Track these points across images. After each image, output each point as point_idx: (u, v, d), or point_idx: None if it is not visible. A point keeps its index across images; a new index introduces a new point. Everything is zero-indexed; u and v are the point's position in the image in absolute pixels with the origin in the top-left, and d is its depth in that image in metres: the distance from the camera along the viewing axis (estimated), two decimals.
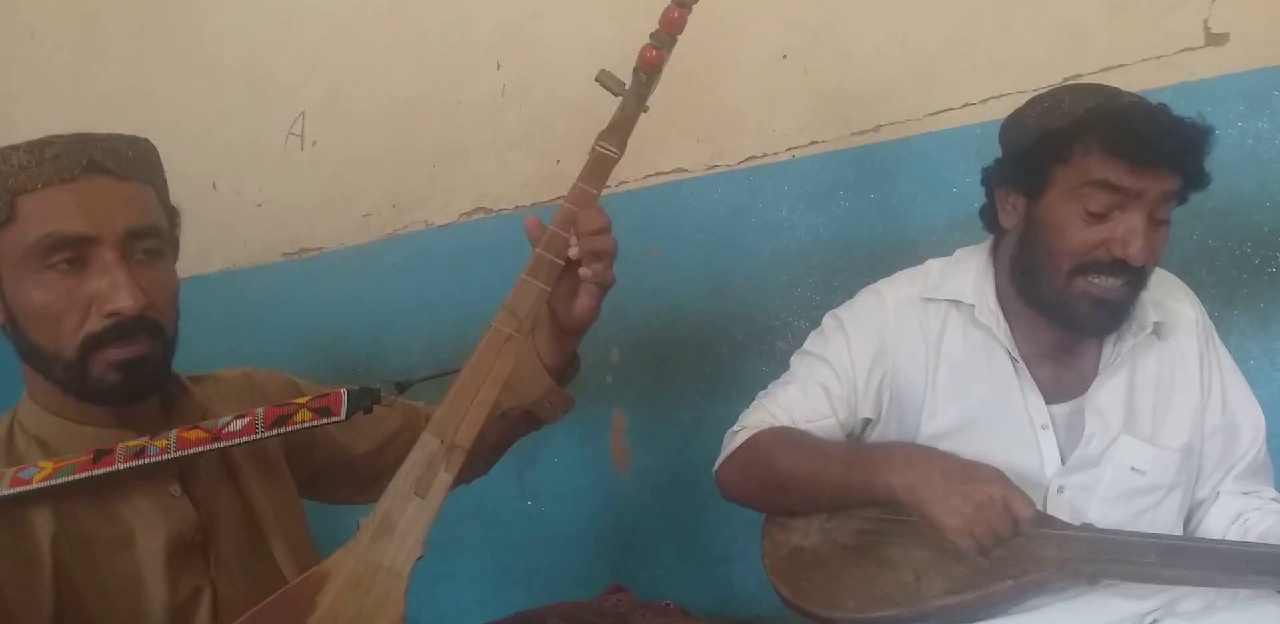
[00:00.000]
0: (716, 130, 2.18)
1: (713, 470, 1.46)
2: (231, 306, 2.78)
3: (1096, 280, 1.26)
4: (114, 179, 1.04)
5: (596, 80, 1.17)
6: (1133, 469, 1.32)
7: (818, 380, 1.42)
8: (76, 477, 1.01)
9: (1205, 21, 1.73)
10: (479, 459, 1.33)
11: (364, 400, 1.15)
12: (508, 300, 1.11)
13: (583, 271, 1.13)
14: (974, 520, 1.17)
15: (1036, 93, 1.78)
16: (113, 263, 1.02)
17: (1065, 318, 1.31)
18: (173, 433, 1.08)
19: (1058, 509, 1.32)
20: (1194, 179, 1.27)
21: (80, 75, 3.20)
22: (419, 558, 1.02)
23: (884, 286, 1.46)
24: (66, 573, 1.01)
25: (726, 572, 2.06)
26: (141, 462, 1.04)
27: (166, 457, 1.05)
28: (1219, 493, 1.40)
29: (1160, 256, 1.28)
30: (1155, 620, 1.25)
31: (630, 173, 2.27)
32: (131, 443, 1.05)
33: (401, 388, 1.20)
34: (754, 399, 1.51)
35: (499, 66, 2.47)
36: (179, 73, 3.03)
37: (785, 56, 2.09)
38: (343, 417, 1.14)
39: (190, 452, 1.07)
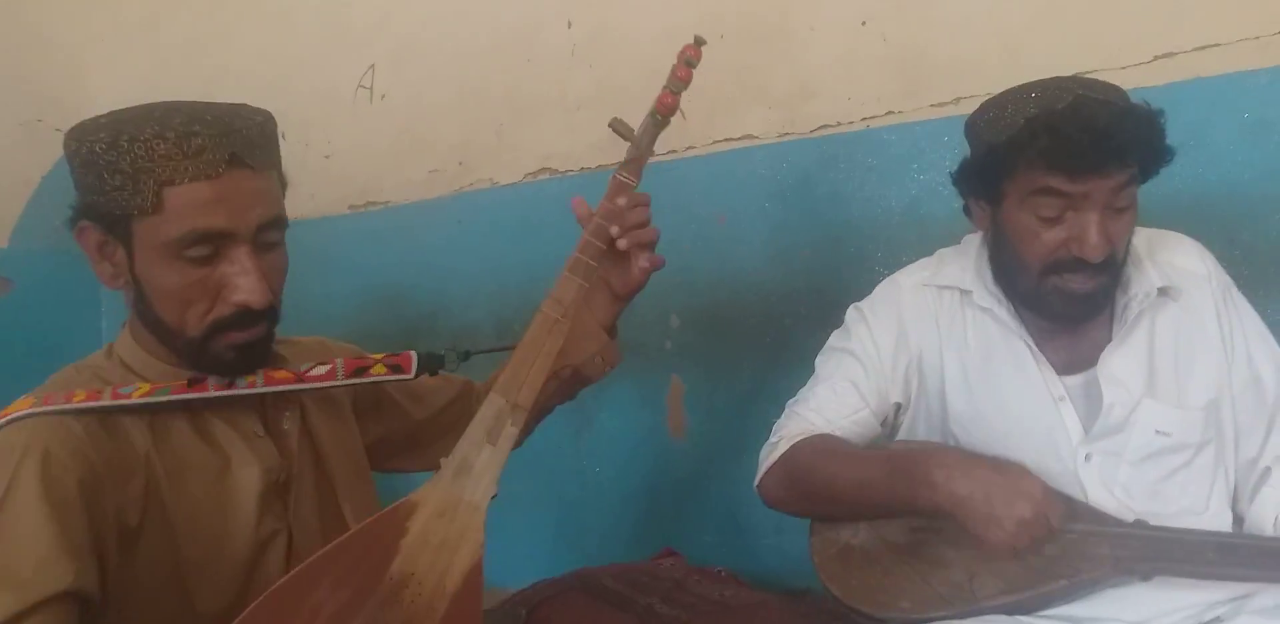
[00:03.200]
0: (789, 97, 2.14)
1: (754, 485, 1.46)
2: (297, 258, 2.80)
3: (1067, 276, 1.29)
4: (251, 172, 1.09)
5: (610, 126, 1.32)
6: (1158, 432, 1.33)
7: (845, 375, 1.45)
8: (172, 398, 1.09)
9: None
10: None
11: (431, 364, 1.26)
12: (554, 291, 1.24)
13: (641, 264, 1.30)
14: (1017, 535, 1.19)
15: (1125, 70, 1.73)
16: (244, 256, 1.08)
17: (1043, 311, 1.36)
18: (260, 373, 1.15)
19: (1088, 477, 1.33)
20: (1152, 161, 1.28)
21: (153, 24, 3.23)
22: (493, 496, 1.14)
23: (899, 275, 1.52)
24: (157, 490, 1.07)
25: (778, 542, 2.07)
26: (232, 392, 1.12)
27: (255, 390, 1.14)
28: (1269, 469, 1.36)
29: (1125, 242, 1.30)
30: (1219, 618, 1.23)
31: (699, 138, 2.24)
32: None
33: (464, 357, 1.31)
34: (795, 398, 1.51)
35: (570, 25, 2.45)
36: (251, 23, 3.04)
37: (864, 23, 2.04)
38: (412, 376, 1.24)
39: (276, 389, 1.15)
